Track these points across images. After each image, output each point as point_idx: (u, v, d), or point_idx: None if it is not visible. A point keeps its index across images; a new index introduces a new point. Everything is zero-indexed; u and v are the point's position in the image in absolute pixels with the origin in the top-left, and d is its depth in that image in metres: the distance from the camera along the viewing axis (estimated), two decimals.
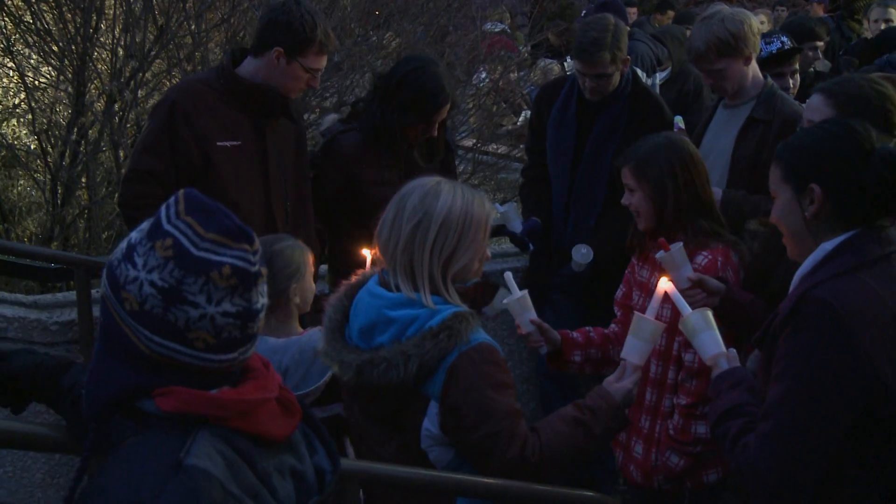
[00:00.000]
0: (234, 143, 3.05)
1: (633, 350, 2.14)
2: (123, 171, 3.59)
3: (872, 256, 1.80)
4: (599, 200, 3.60)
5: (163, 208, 1.31)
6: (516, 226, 3.79)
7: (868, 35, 5.59)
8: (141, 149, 3.05)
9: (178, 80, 5.38)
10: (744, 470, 1.80)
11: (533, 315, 2.53)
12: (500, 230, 3.91)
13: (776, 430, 1.76)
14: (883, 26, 5.43)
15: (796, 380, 1.75)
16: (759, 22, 3.40)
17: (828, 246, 1.83)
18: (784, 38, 3.92)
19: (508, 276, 2.52)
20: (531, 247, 3.80)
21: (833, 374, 1.72)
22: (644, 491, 2.71)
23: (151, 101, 5.19)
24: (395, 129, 3.30)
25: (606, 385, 2.14)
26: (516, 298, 2.53)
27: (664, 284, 2.13)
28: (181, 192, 1.32)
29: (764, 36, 3.75)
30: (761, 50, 3.69)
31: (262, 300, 1.33)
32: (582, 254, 3.57)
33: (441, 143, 3.43)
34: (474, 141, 5.84)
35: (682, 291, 2.22)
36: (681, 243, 2.55)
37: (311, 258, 2.67)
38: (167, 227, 1.28)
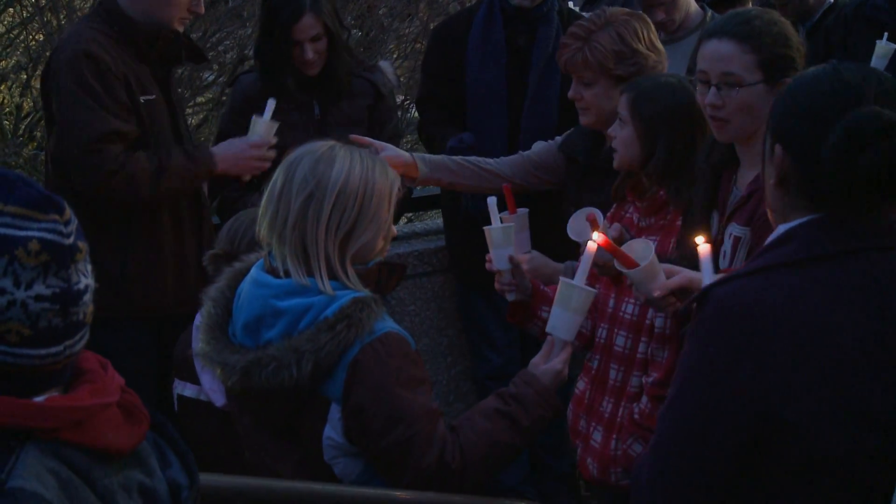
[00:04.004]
0: (150, 97, 3.10)
1: (561, 323, 2.16)
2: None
3: (820, 252, 1.66)
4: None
5: None
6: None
7: None
8: (83, 111, 3.00)
9: (40, 36, 5.27)
10: (631, 484, 1.79)
11: (512, 251, 2.53)
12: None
13: (658, 443, 1.72)
14: None
15: (681, 391, 1.70)
16: None
17: (783, 227, 1.73)
18: None
19: (492, 201, 2.53)
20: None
21: (717, 398, 1.65)
22: (607, 492, 2.75)
23: (6, 63, 5.09)
24: (267, 57, 3.37)
25: (532, 368, 2.18)
26: (501, 227, 2.52)
27: (598, 239, 2.15)
28: None
29: None
30: None
31: (86, 280, 1.32)
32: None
33: (339, 76, 3.43)
34: (403, 97, 5.84)
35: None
36: (526, 210, 2.58)
37: None
38: None
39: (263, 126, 3.19)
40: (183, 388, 2.75)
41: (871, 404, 1.63)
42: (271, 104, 3.19)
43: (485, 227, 2.53)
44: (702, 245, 2.12)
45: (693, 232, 2.31)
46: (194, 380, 2.67)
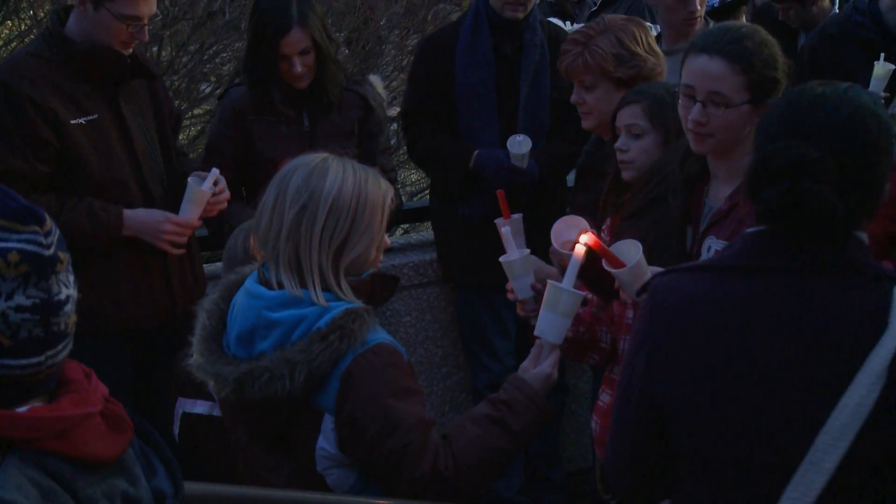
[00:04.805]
0: (90, 117, 3.06)
1: (549, 326, 2.16)
2: None
3: (741, 263, 1.70)
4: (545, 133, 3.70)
5: None
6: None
7: None
8: None
9: None
10: None
11: (532, 279, 2.52)
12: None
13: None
14: None
15: (623, 363, 1.87)
16: None
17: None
18: None
19: (506, 231, 2.51)
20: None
21: (626, 383, 1.81)
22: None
23: None
24: (254, 69, 3.38)
25: (522, 372, 2.19)
26: (521, 258, 2.51)
27: (587, 240, 2.16)
28: None
29: None
30: None
31: (67, 291, 1.34)
32: (517, 142, 3.51)
33: (328, 89, 3.42)
34: (400, 109, 5.86)
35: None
36: (521, 215, 2.60)
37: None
38: None
39: (196, 196, 3.08)
40: (193, 406, 2.68)
41: (758, 416, 1.65)
42: (214, 173, 3.12)
43: (502, 260, 2.51)
44: None
45: (667, 242, 2.34)
46: (204, 396, 2.59)
